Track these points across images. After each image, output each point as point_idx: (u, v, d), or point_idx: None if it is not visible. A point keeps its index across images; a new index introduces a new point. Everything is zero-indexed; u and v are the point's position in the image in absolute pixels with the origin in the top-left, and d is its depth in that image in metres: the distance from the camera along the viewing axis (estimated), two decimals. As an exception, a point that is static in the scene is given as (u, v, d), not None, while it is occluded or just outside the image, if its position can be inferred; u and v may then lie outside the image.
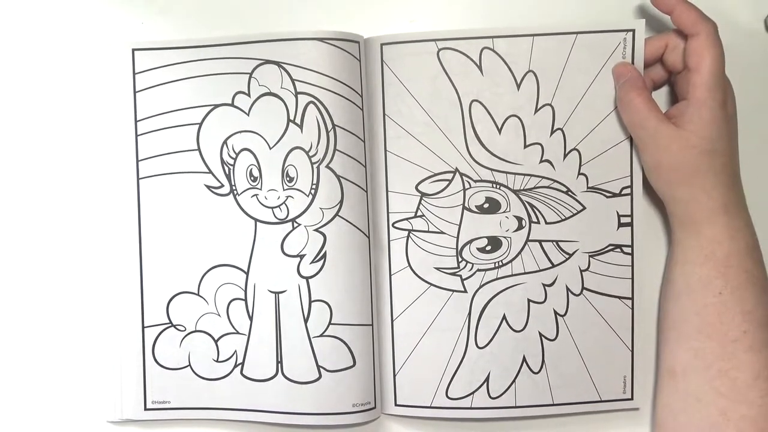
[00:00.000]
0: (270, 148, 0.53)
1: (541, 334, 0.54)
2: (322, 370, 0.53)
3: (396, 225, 0.54)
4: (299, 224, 0.53)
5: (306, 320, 0.53)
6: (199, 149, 0.53)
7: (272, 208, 0.53)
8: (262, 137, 0.53)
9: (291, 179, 0.53)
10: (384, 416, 0.55)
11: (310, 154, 0.52)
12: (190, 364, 0.54)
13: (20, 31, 0.55)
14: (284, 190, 0.53)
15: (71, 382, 0.55)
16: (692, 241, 0.50)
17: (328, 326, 0.53)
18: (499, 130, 0.53)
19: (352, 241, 0.53)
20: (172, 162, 0.54)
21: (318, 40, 0.52)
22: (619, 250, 0.53)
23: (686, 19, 0.49)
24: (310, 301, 0.53)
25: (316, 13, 0.55)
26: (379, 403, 0.54)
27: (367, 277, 0.53)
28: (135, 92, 0.54)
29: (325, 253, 0.52)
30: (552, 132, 0.53)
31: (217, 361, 0.54)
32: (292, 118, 0.52)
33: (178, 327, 0.54)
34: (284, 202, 0.53)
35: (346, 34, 0.52)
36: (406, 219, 0.54)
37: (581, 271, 0.53)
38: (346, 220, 0.52)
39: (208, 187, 0.54)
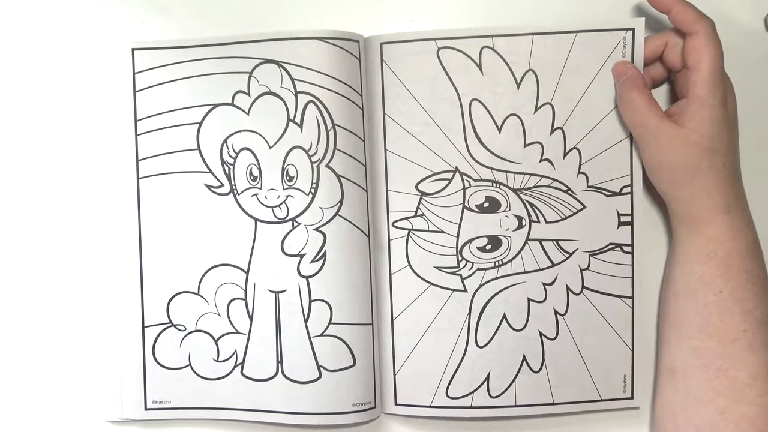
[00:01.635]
0: (270, 148, 0.53)
1: (541, 333, 0.54)
2: (322, 369, 0.53)
3: (396, 224, 0.54)
4: (299, 223, 0.53)
5: (306, 320, 0.53)
6: (199, 149, 0.53)
7: (272, 207, 0.53)
8: (262, 136, 0.53)
9: (291, 178, 0.53)
10: (384, 416, 0.55)
11: (310, 153, 0.52)
12: (190, 364, 0.54)
13: (20, 31, 0.55)
14: (284, 189, 0.53)
15: (71, 381, 0.55)
16: (693, 240, 0.50)
17: (328, 326, 0.53)
18: (499, 129, 0.53)
19: (352, 240, 0.53)
20: (172, 161, 0.54)
21: (318, 39, 0.52)
22: (619, 249, 0.53)
23: (684, 18, 0.49)
24: (310, 301, 0.53)
25: (316, 12, 0.55)
26: (379, 403, 0.54)
27: (367, 277, 0.53)
28: (135, 92, 0.54)
29: (325, 252, 0.52)
30: (552, 131, 0.53)
31: (217, 360, 0.54)
32: (291, 117, 0.52)
33: (178, 327, 0.54)
34: (284, 202, 0.53)
35: (346, 34, 0.52)
36: (406, 218, 0.54)
37: (581, 270, 0.53)
38: (346, 220, 0.52)
39: (208, 186, 0.54)
